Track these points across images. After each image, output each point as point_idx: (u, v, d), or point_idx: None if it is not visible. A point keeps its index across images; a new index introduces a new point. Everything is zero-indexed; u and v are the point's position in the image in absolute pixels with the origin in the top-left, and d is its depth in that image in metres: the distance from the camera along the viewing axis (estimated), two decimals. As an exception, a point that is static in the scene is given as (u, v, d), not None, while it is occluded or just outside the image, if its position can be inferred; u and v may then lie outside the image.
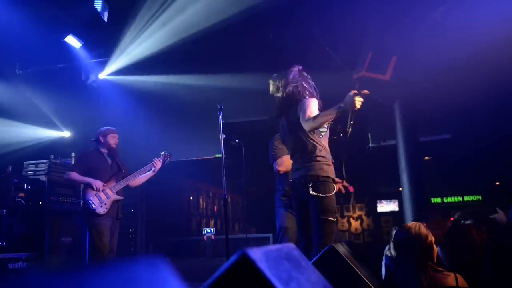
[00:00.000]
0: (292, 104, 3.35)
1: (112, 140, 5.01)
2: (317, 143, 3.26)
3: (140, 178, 5.10)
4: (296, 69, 3.47)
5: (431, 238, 2.80)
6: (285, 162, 3.99)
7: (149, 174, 5.11)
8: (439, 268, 2.75)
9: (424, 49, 5.83)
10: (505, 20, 5.11)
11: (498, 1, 5.29)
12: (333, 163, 3.78)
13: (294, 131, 3.35)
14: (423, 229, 2.83)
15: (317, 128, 3.19)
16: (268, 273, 1.01)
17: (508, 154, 8.04)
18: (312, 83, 3.46)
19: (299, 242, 3.41)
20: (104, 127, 5.12)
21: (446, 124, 8.01)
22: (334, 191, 3.22)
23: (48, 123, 7.52)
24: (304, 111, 3.16)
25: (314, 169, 3.20)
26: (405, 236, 2.82)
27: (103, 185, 4.78)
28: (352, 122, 3.12)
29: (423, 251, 2.75)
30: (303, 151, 3.28)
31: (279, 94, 3.44)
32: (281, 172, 4.14)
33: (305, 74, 3.47)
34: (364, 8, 5.72)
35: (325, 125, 3.31)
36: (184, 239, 8.52)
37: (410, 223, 2.94)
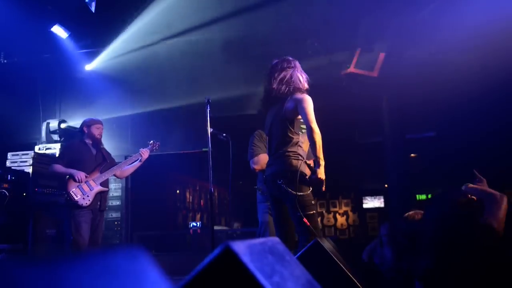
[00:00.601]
0: (283, 97, 3.31)
1: (97, 131, 4.96)
2: (294, 138, 3.24)
3: (127, 168, 5.06)
4: (295, 63, 3.41)
5: None
6: (261, 161, 3.99)
7: (136, 164, 5.07)
8: None
9: (412, 46, 5.87)
10: (492, 19, 5.16)
11: (485, 0, 5.34)
12: (314, 160, 3.77)
13: (277, 124, 3.33)
14: None
15: (309, 136, 3.15)
16: (251, 266, 1.01)
17: (492, 152, 8.15)
18: (305, 76, 3.41)
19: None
20: (89, 118, 5.06)
21: (432, 121, 8.08)
22: (308, 186, 3.18)
23: (33, 113, 7.41)
24: (305, 111, 3.14)
25: (283, 164, 3.19)
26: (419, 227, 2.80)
27: (86, 177, 4.71)
28: (308, 164, 3.28)
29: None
30: (278, 145, 3.27)
31: (271, 85, 3.38)
32: (257, 171, 4.15)
33: (299, 65, 3.43)
34: (353, 4, 5.73)
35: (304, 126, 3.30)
36: (170, 232, 8.50)
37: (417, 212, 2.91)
